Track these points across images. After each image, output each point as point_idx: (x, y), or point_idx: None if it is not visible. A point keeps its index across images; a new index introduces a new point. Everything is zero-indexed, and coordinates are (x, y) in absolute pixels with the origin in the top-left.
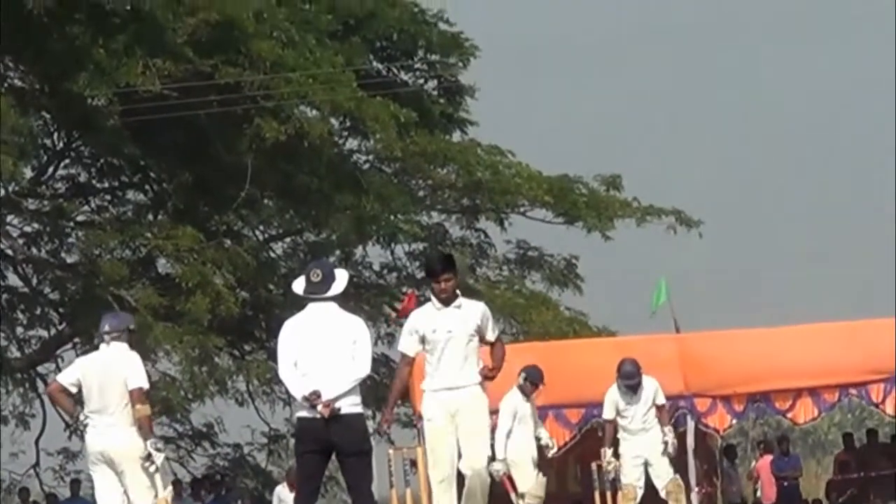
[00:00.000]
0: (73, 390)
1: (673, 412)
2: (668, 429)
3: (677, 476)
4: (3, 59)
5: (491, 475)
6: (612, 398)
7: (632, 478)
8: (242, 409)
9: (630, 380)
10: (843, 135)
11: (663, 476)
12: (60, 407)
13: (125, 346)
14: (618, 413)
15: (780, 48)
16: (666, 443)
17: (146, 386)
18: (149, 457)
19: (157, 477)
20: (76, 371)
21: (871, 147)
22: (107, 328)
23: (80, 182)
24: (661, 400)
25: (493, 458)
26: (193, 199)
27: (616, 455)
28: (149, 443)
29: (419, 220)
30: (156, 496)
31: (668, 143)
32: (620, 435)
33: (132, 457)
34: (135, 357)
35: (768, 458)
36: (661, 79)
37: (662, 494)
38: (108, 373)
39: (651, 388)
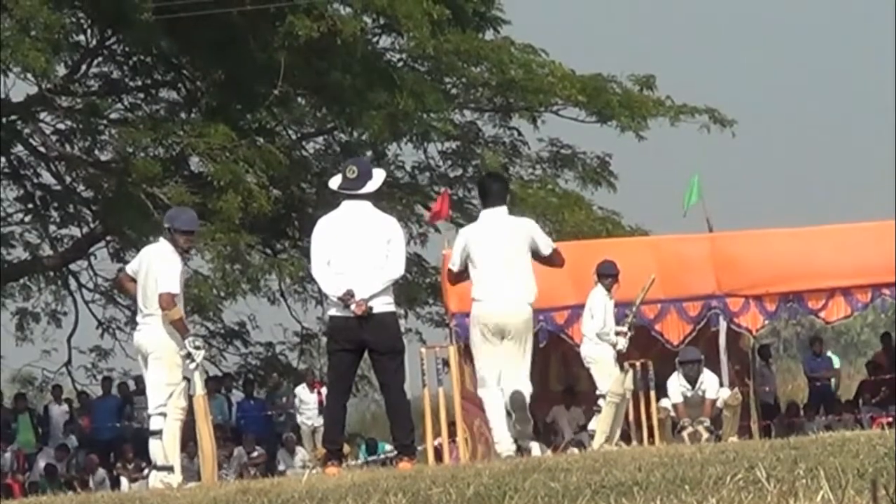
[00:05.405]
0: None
1: (705, 312)
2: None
3: (737, 389)
4: None
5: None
6: (675, 387)
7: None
8: (274, 308)
9: (691, 368)
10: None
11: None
12: (130, 297)
13: (169, 246)
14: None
15: None
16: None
17: (174, 291)
18: (188, 355)
19: (197, 375)
20: (136, 261)
21: None
22: (167, 224)
23: (113, 79)
24: (712, 396)
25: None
26: (226, 97)
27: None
28: (187, 342)
29: (452, 119)
30: (194, 394)
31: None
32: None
33: (153, 353)
34: (170, 259)
35: None
36: None
37: (720, 405)
38: (147, 270)
39: (711, 384)
